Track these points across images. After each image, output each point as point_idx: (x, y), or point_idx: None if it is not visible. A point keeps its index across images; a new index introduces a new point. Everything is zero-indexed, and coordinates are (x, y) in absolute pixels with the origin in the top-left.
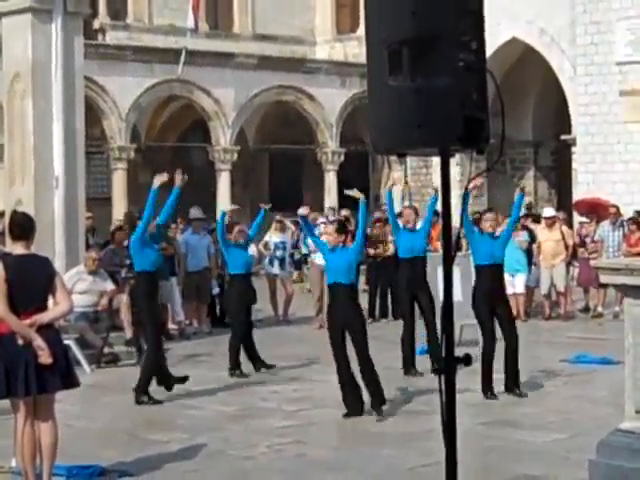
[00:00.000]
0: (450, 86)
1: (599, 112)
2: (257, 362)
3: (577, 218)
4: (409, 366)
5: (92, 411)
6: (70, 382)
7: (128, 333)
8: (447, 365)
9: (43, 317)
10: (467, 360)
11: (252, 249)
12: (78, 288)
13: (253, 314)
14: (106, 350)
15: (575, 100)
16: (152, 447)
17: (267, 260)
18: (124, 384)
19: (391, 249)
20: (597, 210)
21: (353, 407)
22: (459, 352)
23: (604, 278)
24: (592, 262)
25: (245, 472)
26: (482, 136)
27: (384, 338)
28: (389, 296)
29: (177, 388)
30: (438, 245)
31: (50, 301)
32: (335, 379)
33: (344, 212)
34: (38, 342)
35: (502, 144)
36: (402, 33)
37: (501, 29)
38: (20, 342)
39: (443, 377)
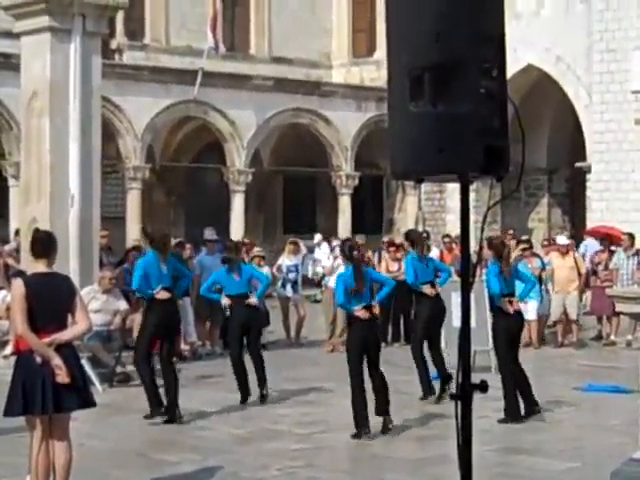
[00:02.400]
0: (471, 113)
1: (614, 140)
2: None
3: (589, 246)
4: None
5: (103, 430)
6: (87, 402)
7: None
8: (464, 391)
9: (62, 336)
10: (483, 387)
11: (266, 271)
12: (91, 307)
13: (265, 337)
14: (118, 369)
15: (590, 128)
16: (163, 468)
17: (280, 283)
18: (136, 404)
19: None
20: (610, 239)
21: (362, 426)
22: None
23: (619, 306)
24: (607, 290)
25: None
26: (502, 164)
27: (396, 363)
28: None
29: (189, 409)
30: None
31: (69, 320)
32: (347, 403)
33: (358, 238)
34: (56, 361)
35: (521, 172)
36: (424, 59)
37: (517, 56)
38: (38, 360)
39: (459, 403)
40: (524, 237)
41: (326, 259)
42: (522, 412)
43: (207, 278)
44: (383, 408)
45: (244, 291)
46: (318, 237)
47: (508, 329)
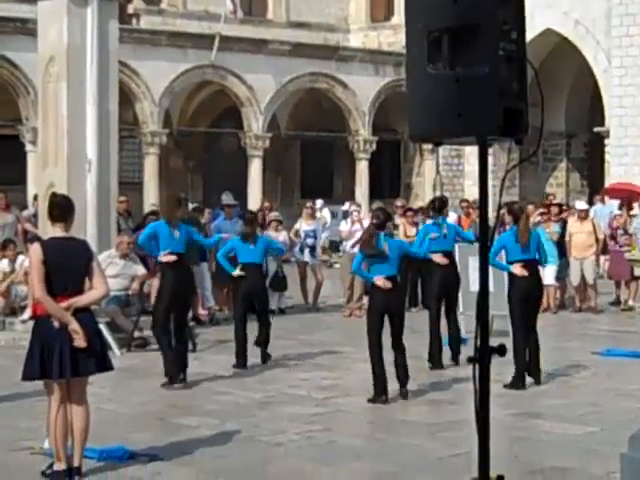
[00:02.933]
0: (490, 75)
1: (633, 104)
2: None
3: (598, 211)
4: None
5: (122, 395)
6: (104, 366)
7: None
8: (482, 355)
9: (79, 300)
10: (501, 350)
11: (283, 236)
12: (109, 272)
13: (283, 302)
14: (136, 334)
15: (609, 92)
16: (182, 432)
17: (297, 248)
18: (154, 368)
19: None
20: (630, 195)
21: (379, 393)
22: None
23: (637, 271)
24: (626, 255)
25: (275, 458)
26: (521, 126)
27: (413, 327)
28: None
29: (207, 374)
30: None
31: (86, 284)
32: (364, 367)
33: (376, 204)
34: (73, 326)
35: (540, 136)
36: (443, 21)
37: (536, 20)
38: (56, 325)
39: (477, 367)
40: (556, 201)
41: (343, 224)
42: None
43: (224, 243)
44: (402, 381)
45: (258, 261)
46: (347, 205)
47: (523, 294)
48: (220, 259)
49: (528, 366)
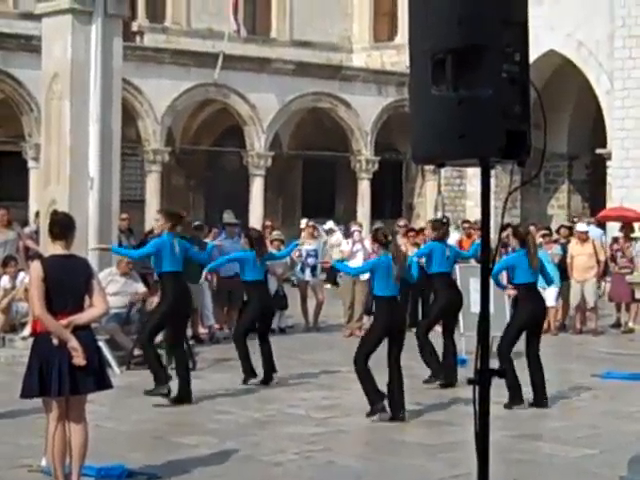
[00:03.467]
0: (493, 97)
1: (635, 126)
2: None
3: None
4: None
5: (121, 413)
6: (103, 384)
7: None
8: (482, 377)
9: (79, 318)
10: (501, 372)
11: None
12: (110, 290)
13: (284, 321)
14: (136, 352)
15: (611, 114)
16: (180, 450)
17: (299, 267)
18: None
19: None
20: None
21: (377, 403)
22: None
23: (638, 293)
24: (627, 277)
25: (274, 478)
26: (523, 148)
27: (413, 346)
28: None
29: (207, 392)
30: None
31: (86, 302)
32: None
33: (377, 224)
34: (73, 343)
35: (543, 158)
36: (446, 43)
37: (539, 41)
38: (55, 342)
39: (477, 388)
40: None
41: (345, 244)
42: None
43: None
44: (398, 404)
45: (261, 278)
46: (330, 224)
47: (530, 317)
48: (214, 265)
49: (517, 381)
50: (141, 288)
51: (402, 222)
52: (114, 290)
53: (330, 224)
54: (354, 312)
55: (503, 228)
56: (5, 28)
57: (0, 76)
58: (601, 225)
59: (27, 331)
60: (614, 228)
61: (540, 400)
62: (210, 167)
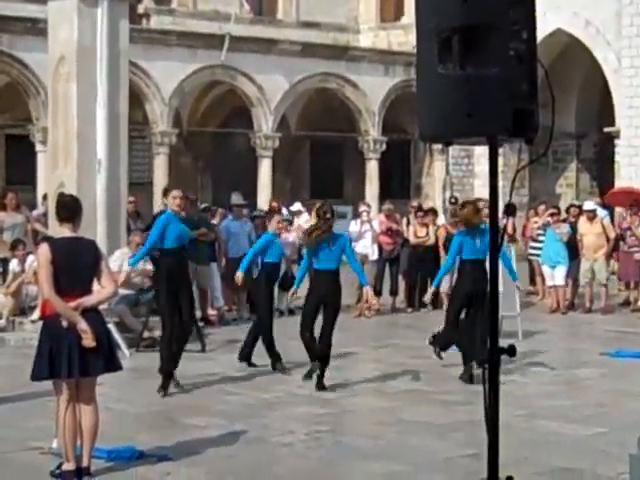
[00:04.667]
0: (500, 75)
1: None
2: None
3: (618, 210)
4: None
5: (130, 395)
6: (113, 366)
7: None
8: (491, 356)
9: (88, 300)
10: (511, 351)
11: (293, 236)
12: (123, 270)
13: (293, 302)
14: (145, 334)
15: (619, 92)
16: (190, 432)
17: None
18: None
19: (432, 239)
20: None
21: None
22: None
23: None
24: (636, 256)
25: (282, 458)
26: (531, 126)
27: (421, 327)
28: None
29: (216, 374)
30: None
31: (95, 284)
32: (373, 367)
33: (386, 204)
34: (82, 325)
35: (551, 137)
36: (453, 21)
37: (546, 20)
38: (64, 324)
39: (487, 367)
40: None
41: (353, 224)
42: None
43: (234, 243)
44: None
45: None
46: (297, 205)
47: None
48: (247, 263)
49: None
50: (149, 268)
51: (415, 203)
52: (125, 270)
53: (297, 205)
54: (362, 292)
55: (463, 205)
56: (11, 11)
57: (7, 59)
58: (605, 206)
59: (37, 314)
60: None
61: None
62: (218, 149)
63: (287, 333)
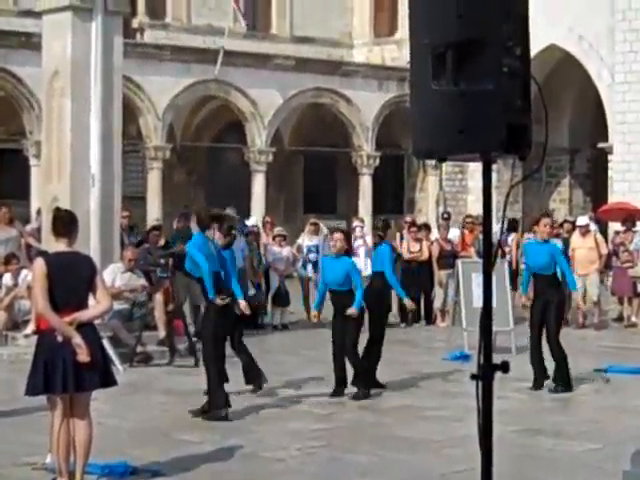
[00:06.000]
0: (494, 91)
1: (636, 120)
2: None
3: (611, 226)
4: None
5: (124, 410)
6: (107, 381)
7: (161, 333)
8: (485, 371)
9: (83, 315)
10: (505, 367)
11: (287, 251)
12: (116, 285)
13: (286, 317)
14: (139, 349)
15: (612, 108)
16: (184, 447)
17: (300, 263)
18: (156, 383)
19: (425, 254)
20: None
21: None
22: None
23: None
24: (629, 271)
25: (277, 474)
26: (525, 142)
27: (416, 343)
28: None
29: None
30: (471, 251)
31: (90, 299)
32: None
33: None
34: (77, 340)
35: (544, 152)
36: (447, 37)
37: (539, 35)
38: (59, 339)
39: (480, 383)
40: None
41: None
42: None
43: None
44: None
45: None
46: (252, 220)
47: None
48: None
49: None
50: (142, 283)
51: (408, 218)
52: (118, 286)
53: (252, 220)
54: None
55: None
56: (5, 25)
57: (1, 73)
58: (598, 221)
59: (29, 329)
60: (617, 225)
61: None
62: (211, 163)
63: (284, 347)
